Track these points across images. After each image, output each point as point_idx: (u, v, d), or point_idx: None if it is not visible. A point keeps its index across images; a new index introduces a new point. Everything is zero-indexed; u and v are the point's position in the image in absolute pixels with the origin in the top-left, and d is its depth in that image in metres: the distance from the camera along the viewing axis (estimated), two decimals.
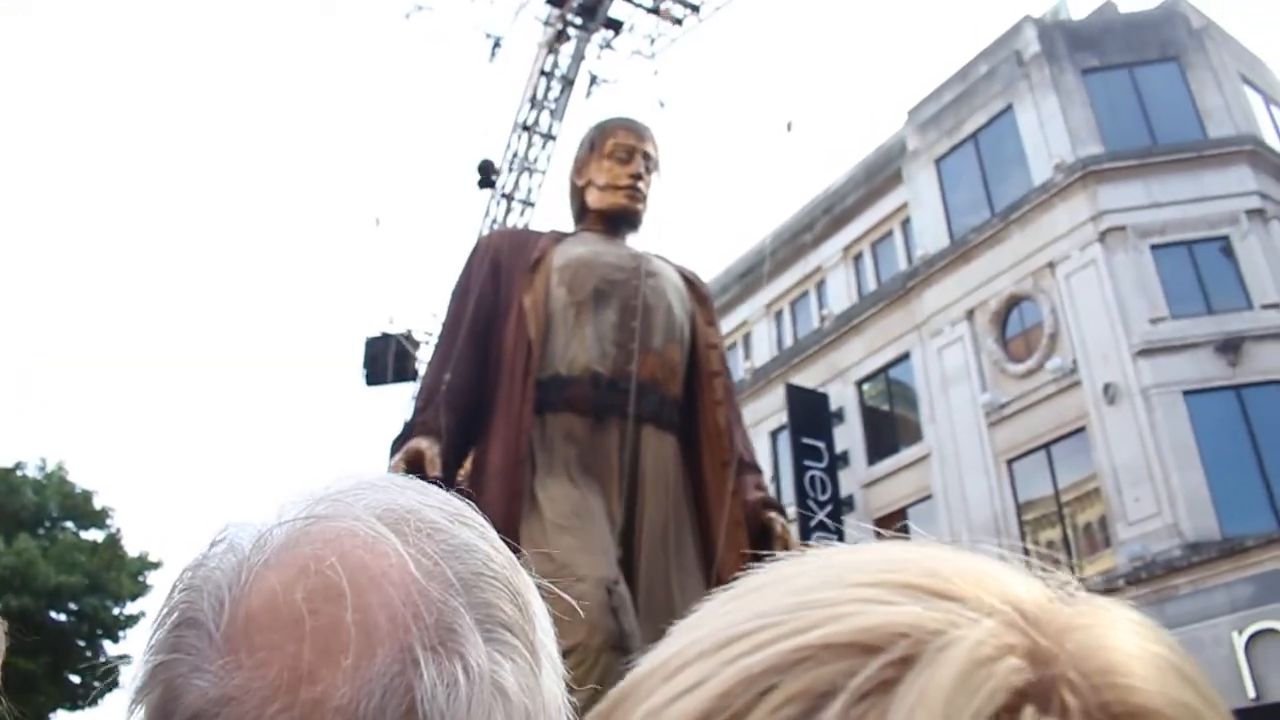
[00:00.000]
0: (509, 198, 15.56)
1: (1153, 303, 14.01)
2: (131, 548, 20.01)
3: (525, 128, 15.33)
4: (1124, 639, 0.29)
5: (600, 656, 2.62)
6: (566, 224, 3.70)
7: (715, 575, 3.03)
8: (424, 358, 14.96)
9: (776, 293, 20.48)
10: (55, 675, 16.58)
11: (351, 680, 0.48)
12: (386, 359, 15.81)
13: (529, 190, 15.60)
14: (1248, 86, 16.24)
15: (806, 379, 18.56)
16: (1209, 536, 12.44)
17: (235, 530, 0.55)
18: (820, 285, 19.89)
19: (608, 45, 14.74)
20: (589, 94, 14.97)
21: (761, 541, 3.16)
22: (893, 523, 14.87)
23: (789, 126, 13.44)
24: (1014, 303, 15.75)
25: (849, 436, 17.71)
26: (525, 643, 0.54)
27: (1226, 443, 13.02)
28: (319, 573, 0.50)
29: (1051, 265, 15.17)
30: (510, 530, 2.87)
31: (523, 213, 15.60)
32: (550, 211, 16.37)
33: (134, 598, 19.16)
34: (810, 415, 17.40)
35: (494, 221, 15.48)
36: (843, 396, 18.16)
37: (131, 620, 19.02)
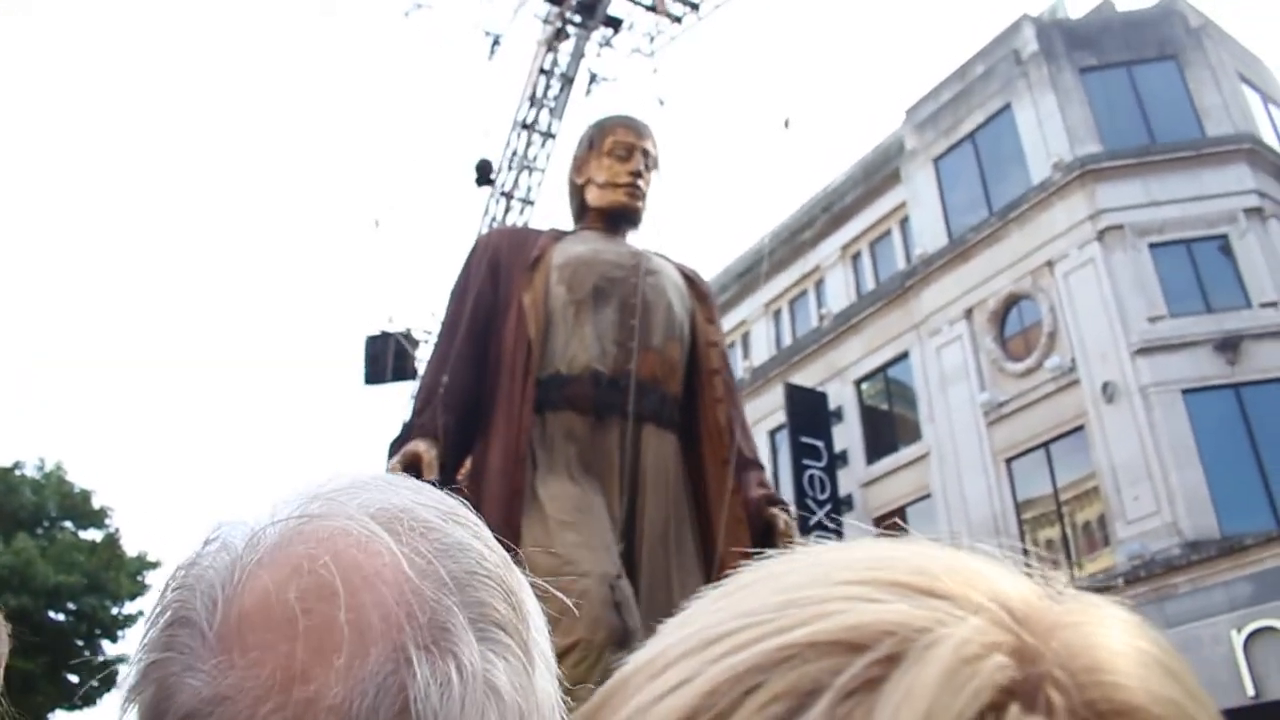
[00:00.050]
0: (508, 196, 15.57)
1: (1151, 301, 14.02)
2: (130, 547, 20.04)
3: (525, 126, 15.34)
4: (1111, 636, 0.29)
5: (604, 653, 2.62)
6: (566, 222, 3.69)
7: (715, 573, 3.02)
8: (423, 356, 14.96)
9: (775, 292, 20.48)
10: (54, 675, 16.56)
11: (344, 679, 0.48)
12: (386, 358, 15.82)
13: (528, 189, 15.61)
14: (1246, 85, 16.24)
15: (805, 378, 18.57)
16: (1208, 535, 12.45)
17: (228, 529, 0.55)
18: (819, 284, 19.89)
19: (607, 43, 14.75)
20: (588, 92, 14.99)
21: (766, 538, 3.15)
22: (901, 524, 14.87)
23: (786, 123, 13.57)
24: (1012, 302, 15.75)
25: (848, 436, 17.72)
26: (519, 642, 0.54)
27: (1225, 441, 13.04)
28: (312, 572, 0.50)
29: (1050, 264, 15.17)
30: (512, 528, 2.87)
31: (522, 211, 15.61)
32: (550, 210, 16.40)
33: (133, 597, 19.15)
34: (809, 414, 17.40)
35: (493, 220, 15.48)
36: (841, 396, 18.17)
37: (130, 620, 19.02)
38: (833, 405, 17.98)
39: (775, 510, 3.25)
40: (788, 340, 20.18)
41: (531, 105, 15.20)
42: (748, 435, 3.53)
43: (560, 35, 14.67)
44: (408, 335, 16.17)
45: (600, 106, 14.78)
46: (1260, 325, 13.57)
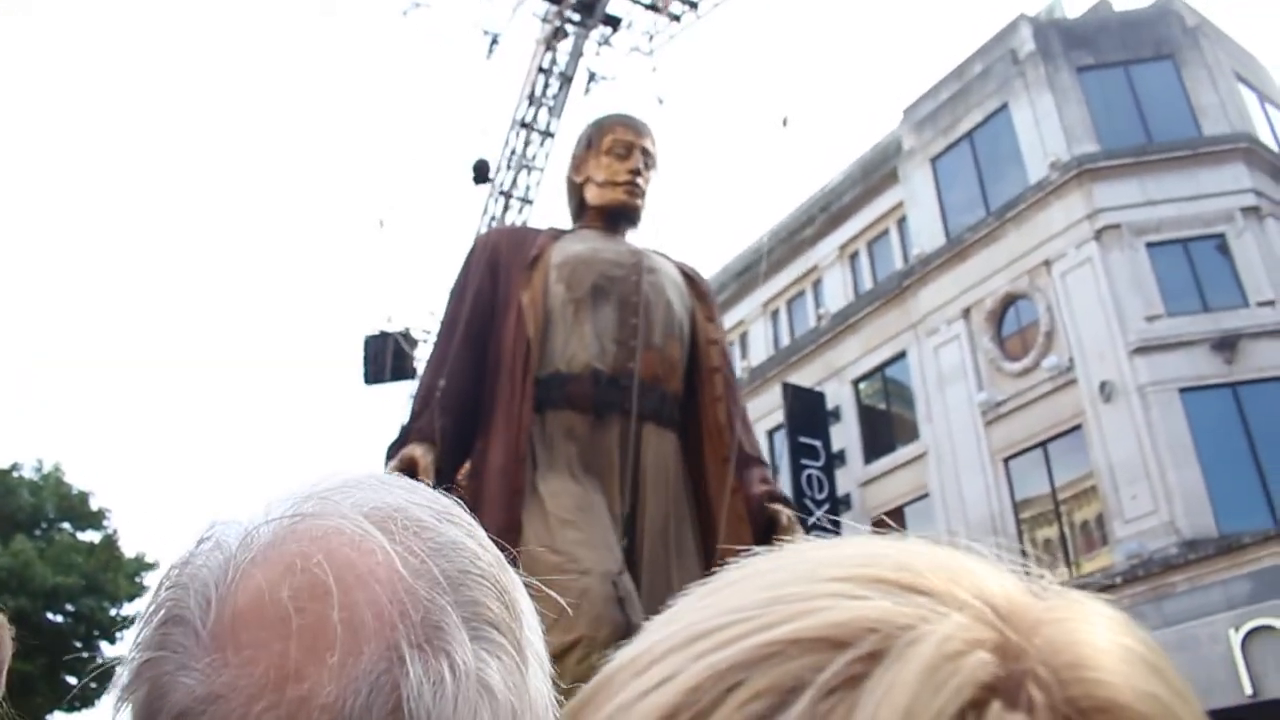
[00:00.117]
0: (507, 195, 15.57)
1: (1148, 300, 14.02)
2: (128, 549, 20.02)
3: (523, 125, 15.34)
4: (1095, 633, 0.29)
5: (606, 650, 2.61)
6: (565, 221, 3.69)
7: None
8: (422, 356, 14.96)
9: (773, 291, 20.49)
10: (52, 676, 16.55)
11: (337, 678, 0.48)
12: (385, 357, 15.82)
13: (527, 188, 15.61)
14: (1242, 84, 16.25)
15: (803, 378, 18.57)
16: (1206, 534, 12.46)
17: (222, 528, 0.55)
18: (817, 284, 19.90)
19: (606, 42, 14.75)
20: (587, 91, 15.00)
21: (769, 535, 3.13)
22: (889, 522, 14.88)
23: (784, 122, 13.57)
24: (1010, 301, 15.76)
25: (846, 435, 17.72)
26: (512, 641, 0.54)
27: (1223, 440, 13.04)
28: (305, 570, 0.50)
29: (1047, 263, 15.18)
30: (512, 526, 2.86)
31: (521, 210, 15.61)
32: (549, 209, 16.40)
33: (131, 599, 19.12)
34: (807, 414, 17.41)
35: (492, 219, 15.48)
36: (839, 395, 18.17)
37: (128, 621, 18.97)
38: (831, 405, 17.98)
39: (777, 506, 3.24)
40: (786, 340, 20.19)
41: (530, 104, 15.20)
42: (749, 432, 3.52)
43: (559, 34, 14.68)
44: (407, 334, 16.17)
45: (599, 105, 14.78)
46: (1257, 324, 13.58)
